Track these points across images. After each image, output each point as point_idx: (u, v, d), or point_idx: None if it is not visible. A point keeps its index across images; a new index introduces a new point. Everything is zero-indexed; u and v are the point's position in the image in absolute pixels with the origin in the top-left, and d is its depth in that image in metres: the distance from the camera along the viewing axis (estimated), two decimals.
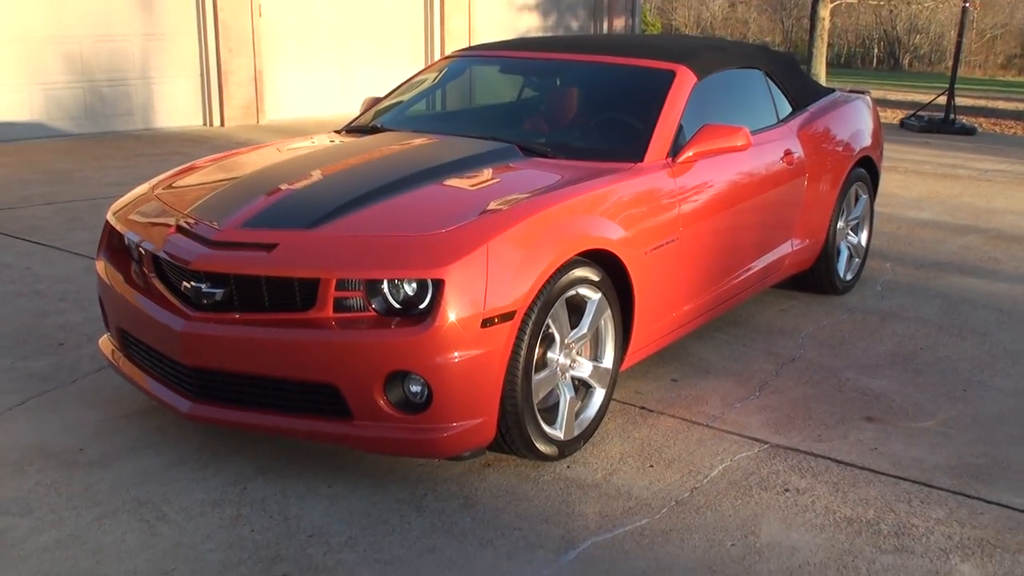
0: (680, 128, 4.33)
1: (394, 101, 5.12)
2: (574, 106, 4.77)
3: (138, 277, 3.79)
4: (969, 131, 13.59)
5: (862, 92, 6.31)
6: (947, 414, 4.17)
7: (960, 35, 13.73)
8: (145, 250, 3.67)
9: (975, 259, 6.66)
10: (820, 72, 22.38)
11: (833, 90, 6.02)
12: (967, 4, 13.39)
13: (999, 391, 4.43)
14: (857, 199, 5.82)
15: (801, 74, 5.69)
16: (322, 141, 4.66)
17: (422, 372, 3.18)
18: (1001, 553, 3.13)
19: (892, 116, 15.94)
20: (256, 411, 3.40)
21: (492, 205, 3.52)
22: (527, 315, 3.34)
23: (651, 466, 3.67)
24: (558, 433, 3.60)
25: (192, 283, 3.39)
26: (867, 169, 5.85)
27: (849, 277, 5.81)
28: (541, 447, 3.52)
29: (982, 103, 20.95)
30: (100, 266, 4.00)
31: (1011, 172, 10.24)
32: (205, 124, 12.56)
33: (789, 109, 5.33)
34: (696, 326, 4.53)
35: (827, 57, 43.32)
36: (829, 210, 5.41)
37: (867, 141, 5.81)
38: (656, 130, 4.24)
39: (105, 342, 4.05)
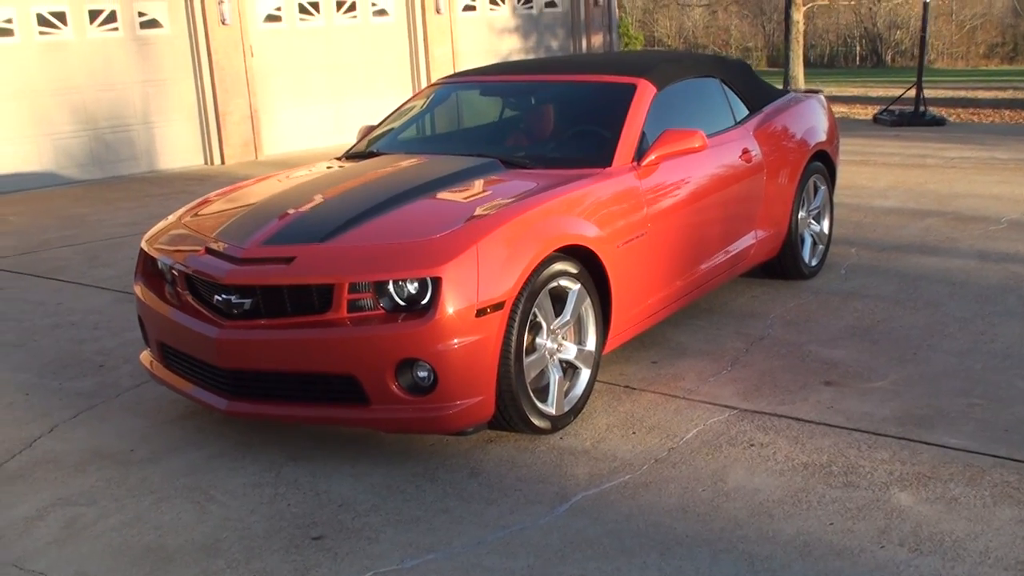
0: (643, 135, 4.85)
1: (386, 128, 5.66)
2: (548, 121, 5.31)
3: (172, 296, 4.30)
4: (939, 122, 14.13)
5: (816, 91, 6.84)
6: (898, 375, 4.68)
7: (923, 29, 14.30)
8: (178, 271, 4.18)
9: (934, 240, 7.17)
10: (798, 74, 22.93)
11: (787, 91, 6.55)
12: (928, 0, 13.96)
13: (945, 352, 4.93)
14: (816, 190, 6.34)
15: (755, 79, 6.22)
16: (324, 168, 5.19)
17: (427, 358, 3.69)
18: (934, 483, 3.62)
19: (871, 112, 16.48)
20: (286, 404, 3.91)
21: (479, 211, 4.04)
22: (515, 305, 3.86)
23: (634, 433, 4.17)
24: (550, 409, 4.11)
25: (223, 296, 3.90)
26: (823, 162, 6.37)
27: (814, 263, 6.32)
28: (536, 421, 4.02)
29: (962, 93, 21.43)
30: (138, 289, 4.52)
31: (975, 158, 10.77)
32: (206, 163, 13.12)
33: (745, 112, 5.85)
34: (671, 312, 5.04)
35: (810, 58, 43.75)
36: (789, 202, 5.93)
37: (822, 136, 6.34)
38: (621, 138, 4.76)
39: (146, 356, 4.56)
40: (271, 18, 13.61)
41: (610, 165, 4.64)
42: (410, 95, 14.86)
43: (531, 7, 16.62)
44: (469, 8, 15.78)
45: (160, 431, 4.39)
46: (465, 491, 3.72)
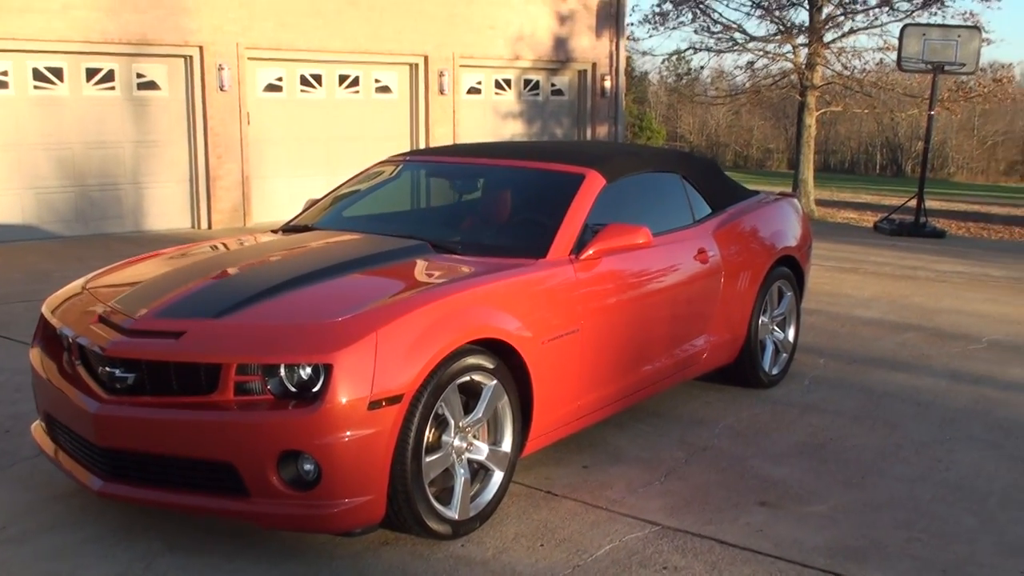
0: (587, 227, 4.62)
1: (330, 201, 5.45)
2: (490, 206, 5.09)
3: (67, 365, 4.05)
4: (939, 234, 13.92)
5: (791, 195, 6.63)
6: (839, 500, 4.35)
7: (927, 141, 14.19)
8: (71, 339, 3.94)
9: (908, 356, 6.87)
10: (808, 177, 22.78)
11: (758, 192, 6.32)
12: (932, 112, 13.86)
13: (895, 479, 4.61)
14: (781, 296, 6.07)
15: (722, 177, 6.00)
16: (252, 240, 4.97)
17: (312, 451, 3.41)
18: None
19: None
20: (162, 489, 3.62)
21: (390, 296, 3.79)
22: (415, 399, 3.58)
23: (541, 545, 3.85)
24: (452, 513, 3.80)
25: (107, 368, 3.65)
26: (791, 268, 6.12)
27: (776, 371, 6.02)
28: (433, 526, 3.71)
29: (975, 208, 21.33)
30: (33, 354, 4.27)
31: (968, 274, 10.51)
32: (194, 227, 12.98)
33: (708, 210, 5.62)
34: (607, 414, 4.75)
35: (831, 163, 43.54)
36: (749, 306, 5.66)
37: (790, 241, 6.09)
38: (560, 228, 4.52)
39: (37, 427, 4.29)
40: (271, 87, 13.58)
41: (545, 256, 4.40)
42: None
43: (537, 94, 16.61)
44: (474, 91, 15.76)
45: (41, 507, 4.10)
46: None
